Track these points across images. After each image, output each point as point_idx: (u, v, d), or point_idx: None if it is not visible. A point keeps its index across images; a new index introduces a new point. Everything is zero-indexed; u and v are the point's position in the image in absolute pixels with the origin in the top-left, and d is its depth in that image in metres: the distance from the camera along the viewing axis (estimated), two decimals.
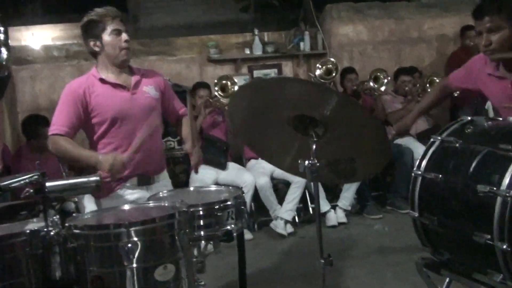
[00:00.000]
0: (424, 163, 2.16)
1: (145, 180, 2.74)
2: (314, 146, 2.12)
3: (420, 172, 2.14)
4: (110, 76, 2.74)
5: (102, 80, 2.71)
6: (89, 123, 2.70)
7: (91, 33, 2.71)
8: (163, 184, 2.82)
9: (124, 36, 2.72)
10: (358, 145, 2.13)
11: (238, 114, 2.32)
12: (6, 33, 2.69)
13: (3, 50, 2.94)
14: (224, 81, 5.39)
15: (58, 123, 2.63)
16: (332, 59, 5.96)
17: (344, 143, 2.15)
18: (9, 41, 2.79)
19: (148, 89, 2.80)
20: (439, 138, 2.17)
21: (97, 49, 2.72)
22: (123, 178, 2.67)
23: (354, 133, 2.11)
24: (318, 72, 5.84)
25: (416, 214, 2.15)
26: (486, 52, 2.52)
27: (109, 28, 2.69)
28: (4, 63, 2.96)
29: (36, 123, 4.69)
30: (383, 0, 6.75)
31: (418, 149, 5.43)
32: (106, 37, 2.69)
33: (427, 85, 5.70)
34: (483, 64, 2.66)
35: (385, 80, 5.78)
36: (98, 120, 2.68)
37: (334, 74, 5.84)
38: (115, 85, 2.72)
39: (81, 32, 2.76)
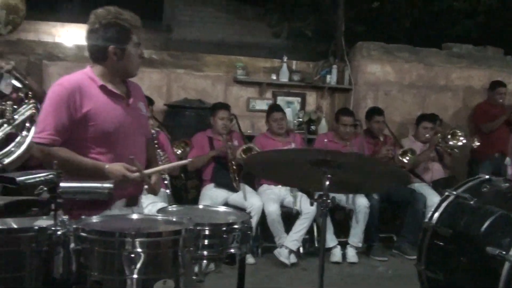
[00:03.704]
0: (436, 215, 2.16)
1: (133, 201, 2.57)
2: (327, 183, 2.13)
3: (431, 224, 2.13)
4: (110, 85, 2.49)
5: (103, 88, 2.47)
6: (80, 130, 2.43)
7: (115, 39, 2.44)
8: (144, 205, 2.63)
9: (142, 49, 2.56)
10: (370, 171, 2.16)
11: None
12: None
13: None
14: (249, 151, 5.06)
15: (47, 129, 2.36)
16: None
17: (357, 172, 2.18)
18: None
19: (141, 105, 2.64)
20: (455, 193, 2.16)
21: (114, 57, 2.46)
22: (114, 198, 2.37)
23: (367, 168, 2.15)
24: None
25: (423, 267, 2.13)
26: None
27: (134, 39, 2.49)
28: None
29: None
30: (413, 45, 6.76)
31: (432, 196, 5.38)
32: (131, 48, 2.48)
33: (449, 136, 5.68)
34: None
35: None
36: (92, 130, 2.42)
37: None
38: (115, 95, 2.50)
39: (94, 32, 2.45)
